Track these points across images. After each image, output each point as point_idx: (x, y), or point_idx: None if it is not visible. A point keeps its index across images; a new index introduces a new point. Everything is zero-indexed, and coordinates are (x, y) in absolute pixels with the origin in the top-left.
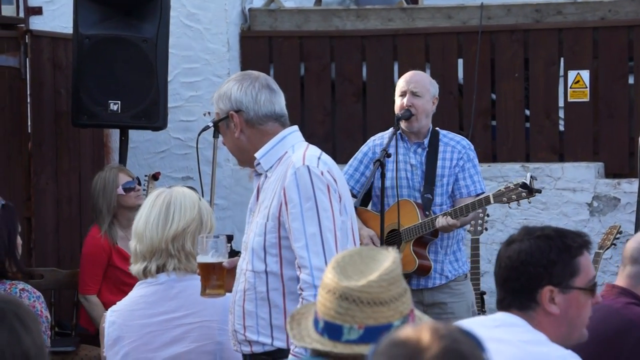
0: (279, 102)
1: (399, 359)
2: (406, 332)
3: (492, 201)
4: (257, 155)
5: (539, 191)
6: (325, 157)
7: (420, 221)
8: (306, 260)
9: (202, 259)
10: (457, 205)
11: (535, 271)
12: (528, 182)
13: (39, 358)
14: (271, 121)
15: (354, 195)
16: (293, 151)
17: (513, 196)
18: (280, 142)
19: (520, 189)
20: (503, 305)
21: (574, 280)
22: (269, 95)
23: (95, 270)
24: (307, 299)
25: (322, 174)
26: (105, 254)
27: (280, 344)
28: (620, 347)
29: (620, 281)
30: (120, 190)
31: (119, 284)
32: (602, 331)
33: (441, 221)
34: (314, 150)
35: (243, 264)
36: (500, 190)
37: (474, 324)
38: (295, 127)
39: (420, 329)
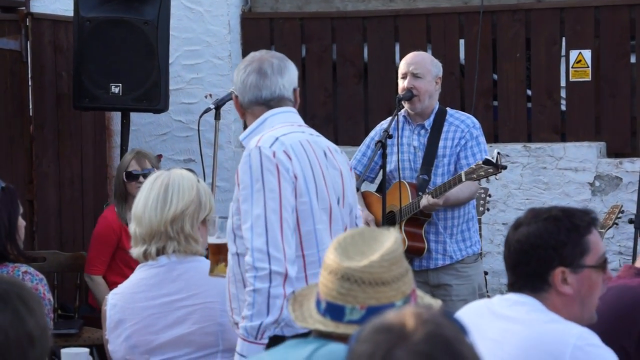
0: (269, 87)
1: (382, 345)
2: (390, 317)
3: (463, 179)
4: (240, 137)
5: (504, 167)
6: (289, 138)
7: (410, 202)
8: (249, 241)
9: (211, 239)
10: None
11: (545, 253)
12: (493, 159)
13: (42, 340)
14: (257, 106)
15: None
16: (263, 134)
17: (481, 173)
18: (261, 125)
19: (485, 165)
20: (514, 288)
21: (585, 259)
22: (256, 80)
23: (104, 251)
24: (249, 280)
25: (273, 154)
26: (115, 236)
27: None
28: (635, 322)
29: (639, 262)
30: (124, 177)
31: (126, 266)
32: (617, 307)
33: (423, 201)
34: (280, 131)
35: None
36: (470, 167)
37: (486, 305)
38: (284, 109)
39: (403, 314)
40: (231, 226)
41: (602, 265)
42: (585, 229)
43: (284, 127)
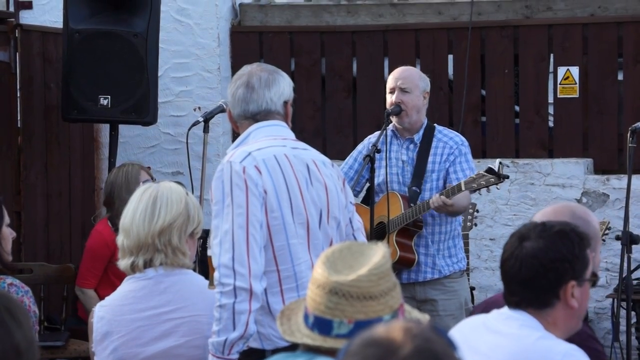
0: (255, 100)
1: (371, 359)
2: (379, 331)
3: (463, 188)
4: (227, 150)
5: (507, 177)
6: (264, 153)
7: (401, 213)
8: (217, 257)
9: (210, 252)
10: None
11: (562, 267)
12: (496, 168)
13: (29, 352)
14: (244, 119)
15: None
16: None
17: (482, 182)
18: (245, 139)
19: (487, 175)
20: (516, 303)
21: (586, 272)
22: (244, 94)
23: (96, 265)
24: (216, 296)
25: (243, 170)
26: (109, 250)
27: (253, 344)
28: None
29: None
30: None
31: (119, 279)
32: None
33: (435, 200)
34: (255, 146)
35: None
36: (471, 177)
37: (482, 320)
38: (270, 122)
39: (392, 329)
40: (211, 240)
41: (595, 278)
42: (587, 242)
43: (263, 141)
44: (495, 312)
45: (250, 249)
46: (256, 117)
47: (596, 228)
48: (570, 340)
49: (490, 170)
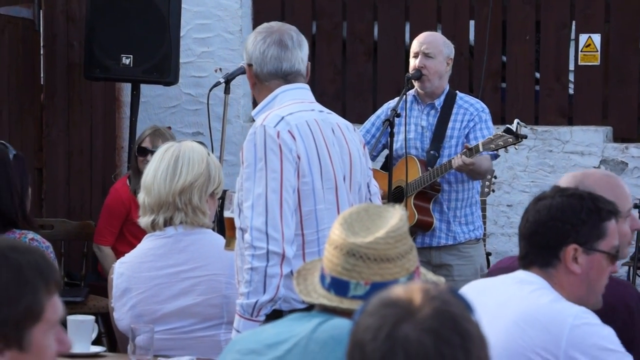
0: (289, 59)
1: (389, 319)
2: (397, 292)
3: (480, 148)
4: (252, 113)
5: (525, 136)
6: (296, 118)
7: (419, 177)
8: (249, 220)
9: (227, 214)
10: None
11: (563, 227)
12: (514, 128)
13: (29, 307)
14: (275, 79)
15: None
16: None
17: (500, 142)
18: (271, 101)
19: (505, 135)
20: (525, 262)
21: (599, 243)
22: (277, 52)
23: (113, 222)
24: (247, 258)
25: (277, 134)
26: (124, 208)
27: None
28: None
29: None
30: (136, 150)
31: (134, 238)
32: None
33: (457, 161)
34: (288, 109)
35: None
36: (489, 137)
37: (488, 283)
38: (297, 85)
39: (411, 290)
40: (237, 201)
41: (614, 255)
42: (607, 215)
43: (293, 105)
44: (504, 276)
45: (283, 214)
46: (288, 77)
47: (629, 199)
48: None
49: (508, 130)
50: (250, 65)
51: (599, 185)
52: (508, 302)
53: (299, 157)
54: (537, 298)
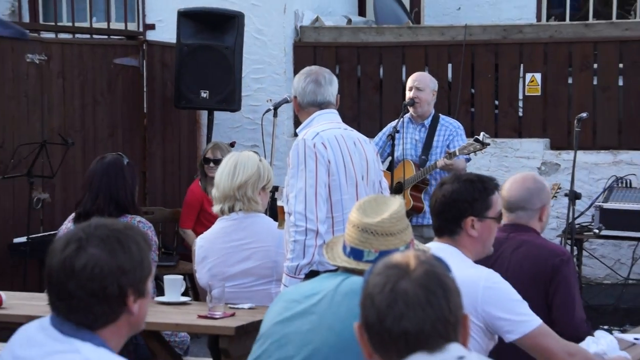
0: (322, 93)
1: (392, 277)
2: (397, 257)
3: (457, 153)
4: (297, 130)
5: (488, 144)
6: (328, 133)
7: (413, 175)
8: (293, 206)
9: (279, 203)
10: None
11: (462, 206)
12: (481, 138)
13: (133, 271)
14: (312, 107)
15: None
16: (309, 129)
17: (471, 148)
18: (310, 122)
19: (475, 142)
20: (438, 233)
21: (488, 212)
22: (313, 88)
23: (190, 212)
24: (292, 233)
25: (314, 145)
26: (198, 202)
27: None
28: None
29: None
30: (202, 159)
31: (207, 221)
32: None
33: (440, 162)
34: (322, 127)
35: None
36: (463, 145)
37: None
38: (328, 110)
39: (407, 256)
40: (286, 193)
41: (498, 218)
42: (491, 191)
43: (325, 124)
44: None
45: (317, 202)
46: (321, 105)
47: (548, 191)
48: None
49: (476, 140)
50: (295, 97)
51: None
52: None
53: (329, 162)
54: (454, 268)
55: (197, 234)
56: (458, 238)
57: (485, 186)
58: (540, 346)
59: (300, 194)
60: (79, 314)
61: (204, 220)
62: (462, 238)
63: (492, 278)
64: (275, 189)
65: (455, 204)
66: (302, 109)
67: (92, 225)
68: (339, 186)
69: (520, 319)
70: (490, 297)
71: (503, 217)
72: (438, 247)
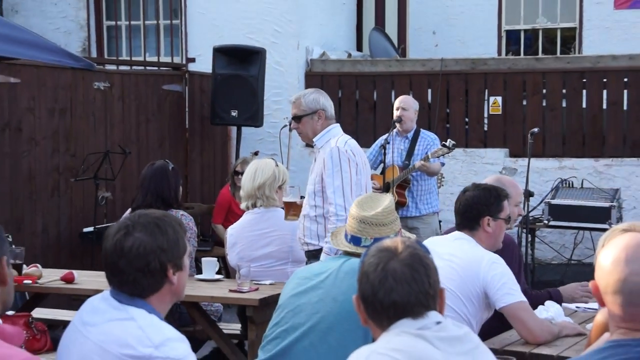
0: (332, 108)
1: (383, 259)
2: (387, 242)
3: (429, 156)
4: (315, 139)
5: (453, 148)
6: (351, 141)
7: (398, 176)
8: (333, 199)
9: (286, 199)
10: None
11: (480, 207)
12: (447, 144)
13: (170, 250)
14: (332, 119)
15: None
16: (334, 138)
17: (440, 152)
18: (330, 131)
19: (443, 147)
20: (460, 227)
21: (500, 214)
22: (330, 104)
23: (221, 211)
24: (333, 220)
25: (346, 151)
26: (227, 203)
27: (321, 244)
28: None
29: None
30: (233, 171)
31: (233, 218)
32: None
33: (417, 164)
34: (345, 137)
35: (305, 201)
36: (434, 150)
37: (439, 239)
38: (336, 124)
39: (396, 241)
40: (313, 190)
41: (507, 219)
42: (503, 197)
43: (344, 135)
44: (450, 235)
45: (352, 195)
46: (334, 118)
47: (520, 191)
48: (505, 244)
49: (444, 145)
50: (322, 110)
51: (511, 183)
52: (454, 253)
53: (356, 165)
54: (469, 249)
55: (226, 227)
56: (476, 233)
57: (498, 194)
58: (518, 317)
59: (338, 190)
60: (129, 285)
61: (230, 218)
62: (479, 233)
63: (498, 259)
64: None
65: (476, 206)
66: (326, 120)
67: (136, 215)
68: (361, 185)
69: (509, 292)
70: (493, 269)
71: None
72: (461, 236)
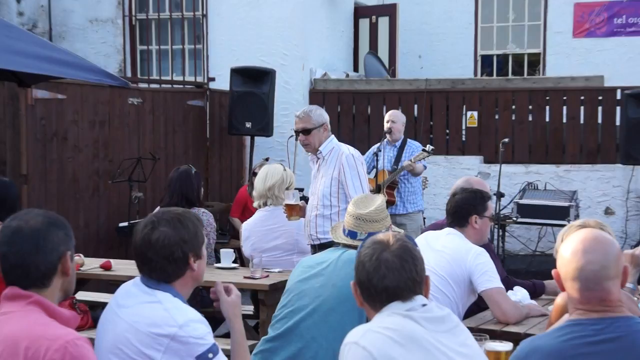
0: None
1: (377, 250)
2: (379, 236)
3: (412, 160)
4: (320, 147)
5: (432, 153)
6: (355, 149)
7: (387, 178)
8: (354, 194)
9: (289, 201)
10: None
11: (468, 207)
12: (427, 149)
13: (192, 240)
14: (329, 130)
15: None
16: (339, 147)
17: (421, 156)
18: (330, 141)
19: (423, 152)
20: (451, 224)
21: (486, 213)
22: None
23: (238, 207)
24: None
25: (359, 157)
26: (244, 201)
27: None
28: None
29: None
30: (252, 174)
31: (248, 214)
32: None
33: (405, 164)
34: (348, 145)
35: (314, 201)
36: (416, 154)
37: (433, 233)
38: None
39: (387, 235)
40: (328, 191)
41: (492, 217)
42: (488, 198)
43: (344, 144)
44: (442, 230)
45: (367, 191)
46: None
47: (487, 189)
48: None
49: (424, 150)
50: (327, 122)
51: (478, 183)
52: (447, 245)
53: (364, 167)
54: (459, 243)
55: (242, 221)
56: (465, 229)
57: (483, 196)
58: (494, 300)
59: (358, 187)
60: (157, 272)
61: (246, 214)
62: (468, 229)
63: (482, 252)
64: (301, 190)
65: (465, 207)
66: (328, 131)
67: (160, 212)
68: (367, 185)
69: (489, 279)
70: (477, 260)
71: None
72: (452, 232)
